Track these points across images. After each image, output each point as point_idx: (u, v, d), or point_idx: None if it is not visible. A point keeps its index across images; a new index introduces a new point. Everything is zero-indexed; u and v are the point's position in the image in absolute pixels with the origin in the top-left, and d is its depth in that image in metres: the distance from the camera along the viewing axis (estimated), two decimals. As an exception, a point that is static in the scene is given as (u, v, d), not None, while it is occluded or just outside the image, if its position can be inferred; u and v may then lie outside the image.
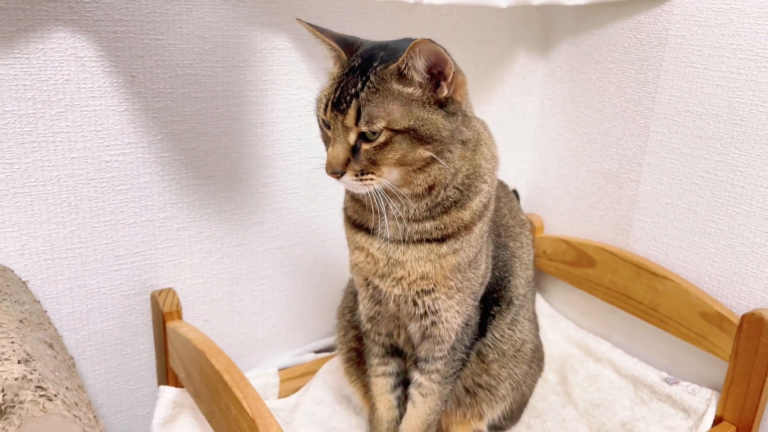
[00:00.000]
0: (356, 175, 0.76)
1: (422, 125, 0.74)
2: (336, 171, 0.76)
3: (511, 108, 1.49)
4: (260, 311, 1.24)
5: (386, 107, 0.74)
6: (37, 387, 0.67)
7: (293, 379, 1.26)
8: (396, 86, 0.74)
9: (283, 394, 1.25)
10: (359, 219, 0.86)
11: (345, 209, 0.90)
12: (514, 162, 1.54)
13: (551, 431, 1.17)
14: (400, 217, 0.81)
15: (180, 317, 1.06)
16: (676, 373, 1.32)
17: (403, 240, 0.83)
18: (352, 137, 0.75)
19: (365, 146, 0.75)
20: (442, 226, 0.82)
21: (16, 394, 0.65)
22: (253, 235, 1.19)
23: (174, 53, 1.02)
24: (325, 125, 0.79)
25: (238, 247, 1.18)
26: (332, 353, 1.29)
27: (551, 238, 1.50)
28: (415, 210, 0.81)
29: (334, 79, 0.78)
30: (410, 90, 0.75)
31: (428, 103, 0.75)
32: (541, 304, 1.54)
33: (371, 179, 0.76)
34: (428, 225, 0.82)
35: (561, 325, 1.50)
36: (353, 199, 0.87)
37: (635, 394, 1.31)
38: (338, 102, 0.75)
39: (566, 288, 1.51)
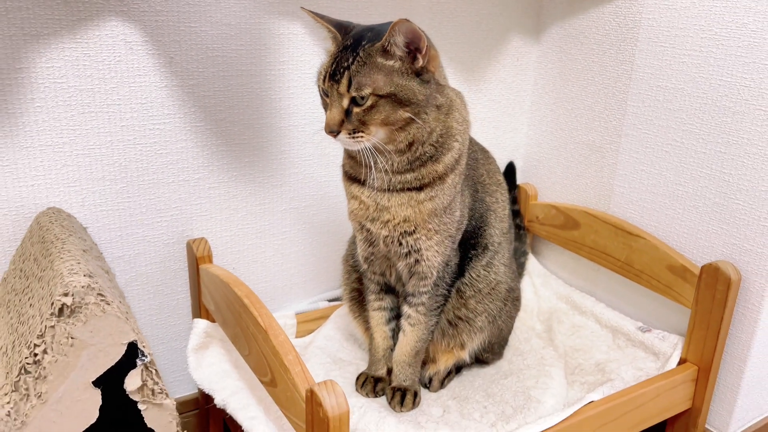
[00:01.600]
0: (349, 134, 0.94)
1: (401, 90, 0.92)
2: (333, 130, 0.94)
3: (506, 87, 1.65)
4: (280, 263, 1.44)
5: (372, 77, 0.91)
6: (98, 294, 0.87)
7: (308, 322, 1.45)
8: (380, 60, 0.92)
9: (299, 335, 1.44)
10: (353, 172, 1.05)
11: (342, 165, 1.09)
12: (510, 135, 1.70)
13: (530, 366, 1.34)
14: (385, 170, 0.99)
15: (211, 261, 1.26)
16: (650, 322, 1.47)
17: (389, 189, 1.01)
18: (345, 102, 0.93)
19: (356, 109, 0.93)
20: (420, 177, 1.00)
21: (83, 298, 0.85)
22: (273, 195, 1.38)
23: (205, 38, 1.21)
24: (324, 93, 0.97)
25: (260, 206, 1.37)
26: (343, 301, 1.48)
27: (542, 205, 1.66)
28: (397, 163, 0.99)
29: (331, 56, 0.96)
30: (392, 63, 0.92)
31: (406, 73, 0.93)
32: (535, 265, 1.71)
33: (362, 137, 0.94)
34: (409, 176, 1.00)
35: (552, 283, 1.66)
36: (349, 156, 1.06)
37: (613, 342, 1.46)
38: (334, 73, 0.93)
39: (556, 249, 1.67)
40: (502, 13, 1.56)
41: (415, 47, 0.92)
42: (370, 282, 1.17)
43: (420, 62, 0.93)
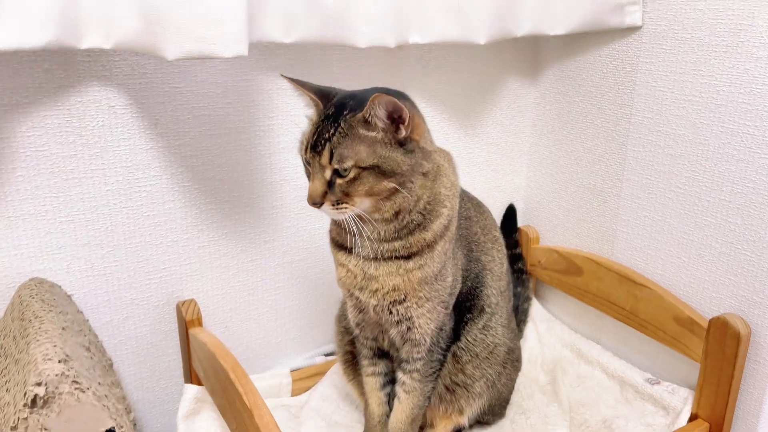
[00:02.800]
0: (333, 205, 0.91)
1: (385, 162, 0.89)
2: (315, 202, 0.91)
3: (504, 129, 1.61)
4: (274, 318, 1.40)
5: (354, 148, 0.88)
6: (73, 382, 0.84)
7: (304, 379, 1.41)
8: (362, 131, 0.89)
9: (295, 393, 1.40)
10: (340, 240, 1.01)
11: (329, 231, 1.05)
12: (510, 178, 1.67)
13: (534, 426, 1.29)
14: (372, 238, 0.96)
15: (200, 324, 1.23)
16: (659, 373, 1.42)
17: (376, 257, 0.98)
18: (328, 173, 0.90)
19: (339, 181, 0.90)
20: (408, 245, 0.96)
21: (56, 387, 0.82)
22: (265, 251, 1.35)
23: (191, 98, 1.19)
24: (306, 163, 0.94)
25: (252, 262, 1.34)
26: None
27: (544, 249, 1.62)
28: (384, 232, 0.95)
29: (313, 125, 0.93)
30: (374, 134, 0.89)
31: (390, 144, 0.90)
32: (539, 311, 1.66)
33: (345, 208, 0.91)
34: (396, 244, 0.96)
35: (556, 329, 1.61)
36: (335, 223, 1.02)
37: (621, 394, 1.41)
38: (315, 145, 0.90)
39: (560, 295, 1.63)
40: (497, 56, 1.53)
41: (397, 116, 0.89)
42: (363, 347, 1.13)
43: (403, 132, 0.90)
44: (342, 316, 1.24)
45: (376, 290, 0.99)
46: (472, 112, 1.54)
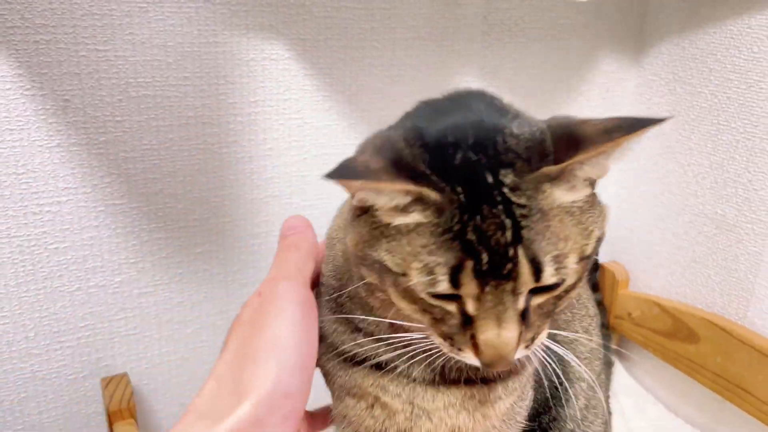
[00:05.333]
0: (526, 347, 0.48)
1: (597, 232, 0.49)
2: (509, 363, 0.47)
3: (590, 127, 1.15)
4: (254, 390, 0.98)
5: (564, 231, 0.46)
6: None
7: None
8: (558, 194, 0.46)
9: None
10: (365, 349, 0.57)
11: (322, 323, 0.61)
12: (593, 196, 1.21)
13: None
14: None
15: (132, 415, 0.81)
16: (812, 500, 0.96)
17: (434, 381, 0.55)
18: (522, 301, 0.46)
19: (540, 300, 0.47)
20: None
21: None
22: (241, 299, 0.91)
23: (124, 69, 0.76)
24: (444, 299, 0.47)
25: (221, 315, 0.91)
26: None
27: (639, 298, 1.16)
28: None
29: (439, 234, 0.45)
30: (578, 195, 0.48)
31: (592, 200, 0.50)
32: (624, 380, 1.21)
33: (535, 341, 0.49)
34: None
35: (649, 411, 1.16)
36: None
37: None
38: (494, 265, 0.44)
39: (656, 361, 1.17)
40: (586, 23, 1.07)
41: None
42: None
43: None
44: None
45: None
46: (547, 102, 1.09)
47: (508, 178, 0.44)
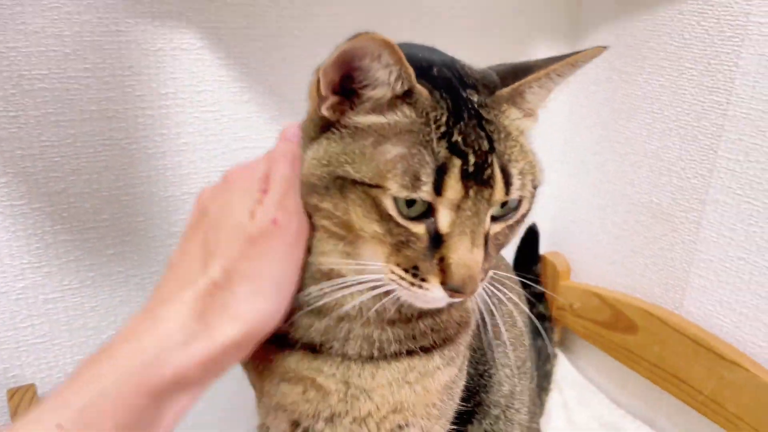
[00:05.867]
0: (481, 280, 0.50)
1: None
2: (476, 287, 0.48)
3: (528, 117, 1.13)
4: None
5: (527, 156, 0.52)
6: None
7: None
8: (518, 120, 0.53)
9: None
10: (298, 329, 0.55)
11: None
12: (533, 186, 1.19)
13: None
14: (378, 319, 0.54)
15: (38, 429, 0.76)
16: (748, 488, 0.96)
17: (372, 356, 0.54)
18: (488, 222, 0.49)
19: (496, 228, 0.50)
20: (440, 325, 0.56)
21: None
22: (160, 301, 0.88)
23: (16, 61, 0.71)
24: (414, 220, 0.48)
25: (140, 319, 0.87)
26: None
27: (579, 288, 1.15)
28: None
29: (427, 134, 0.48)
30: (529, 120, 0.55)
31: None
32: (567, 372, 1.20)
33: (488, 274, 0.52)
34: (420, 326, 0.55)
35: (592, 402, 1.15)
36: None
37: None
38: (477, 169, 0.47)
39: (599, 352, 1.16)
40: (522, 11, 1.04)
41: None
42: None
43: None
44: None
45: (367, 416, 0.55)
46: (482, 93, 1.06)
47: (474, 96, 0.50)
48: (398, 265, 0.48)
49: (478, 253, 0.47)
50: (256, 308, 0.49)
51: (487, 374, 0.68)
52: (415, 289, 0.48)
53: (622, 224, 1.09)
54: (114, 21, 0.74)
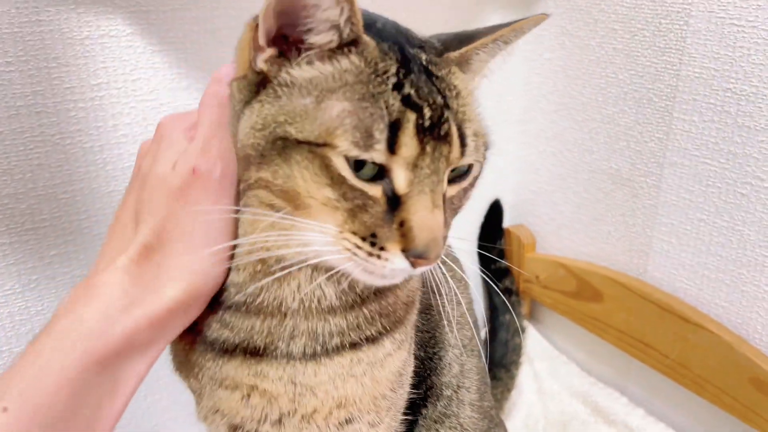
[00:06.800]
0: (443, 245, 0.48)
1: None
2: (440, 251, 0.45)
3: (488, 87, 1.11)
4: (142, 415, 0.92)
5: (477, 118, 0.50)
6: None
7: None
8: (469, 81, 0.52)
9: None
10: (236, 333, 0.52)
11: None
12: (494, 158, 1.17)
13: None
14: (321, 310, 0.51)
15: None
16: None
17: (315, 353, 0.51)
18: (446, 183, 0.47)
19: (452, 191, 0.48)
20: (387, 309, 0.53)
21: None
22: (111, 300, 0.85)
23: (-71, 57, 0.67)
24: (369, 181, 0.45)
25: (90, 319, 0.84)
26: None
27: (545, 260, 1.14)
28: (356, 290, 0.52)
29: (377, 84, 0.45)
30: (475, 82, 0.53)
31: None
32: (538, 343, 1.19)
33: (446, 240, 0.49)
34: (363, 313, 0.52)
35: (562, 371, 1.15)
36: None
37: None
38: (432, 124, 0.44)
39: (567, 322, 1.15)
40: (471, -22, 1.02)
41: None
42: None
43: None
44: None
45: (313, 413, 0.52)
46: (435, 66, 1.04)
47: (422, 55, 0.48)
48: (354, 233, 0.44)
49: (439, 214, 0.45)
50: (192, 266, 0.48)
51: (437, 356, 0.66)
52: (373, 260, 0.44)
53: (584, 192, 1.08)
54: (34, 11, 0.70)
